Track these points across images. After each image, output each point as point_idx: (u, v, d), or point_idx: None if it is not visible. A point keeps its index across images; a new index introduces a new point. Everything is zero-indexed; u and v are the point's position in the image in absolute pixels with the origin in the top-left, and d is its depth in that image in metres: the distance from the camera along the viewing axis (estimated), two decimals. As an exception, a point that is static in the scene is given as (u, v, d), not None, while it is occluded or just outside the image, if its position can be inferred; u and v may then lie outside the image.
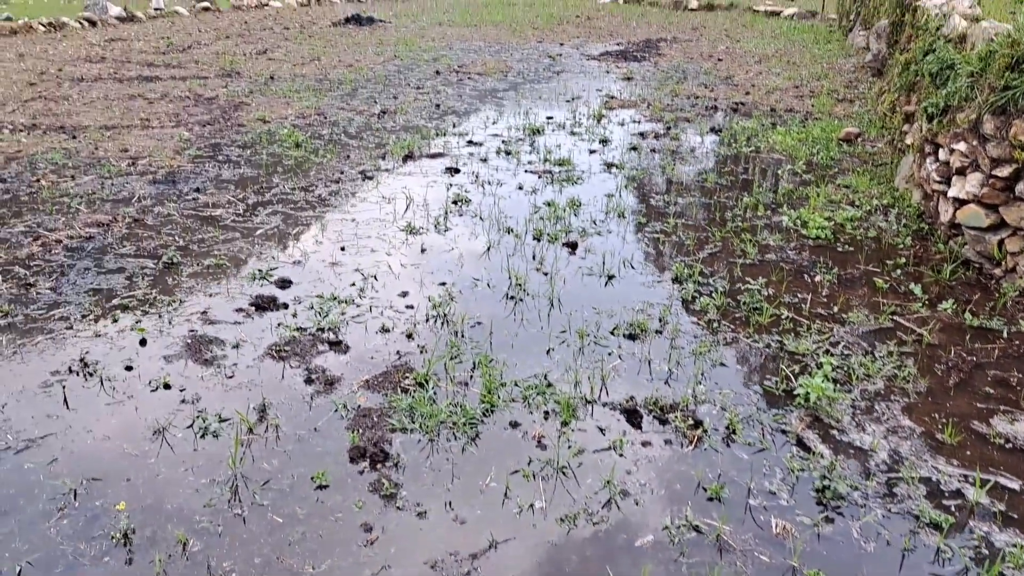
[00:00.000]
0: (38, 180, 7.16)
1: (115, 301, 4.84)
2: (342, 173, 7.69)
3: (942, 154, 5.79)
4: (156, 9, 22.97)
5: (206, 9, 23.69)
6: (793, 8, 22.09)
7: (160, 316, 4.66)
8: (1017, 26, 5.09)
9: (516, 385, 3.99)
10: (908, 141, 6.82)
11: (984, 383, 4.10)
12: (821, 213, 6.40)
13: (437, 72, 13.41)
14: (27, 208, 6.47)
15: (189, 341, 4.37)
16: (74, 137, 8.70)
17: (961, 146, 5.39)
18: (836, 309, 4.88)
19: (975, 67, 5.36)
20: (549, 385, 3.99)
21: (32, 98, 10.66)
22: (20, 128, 9.03)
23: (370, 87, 12.03)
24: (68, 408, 3.72)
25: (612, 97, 11.39)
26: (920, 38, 7.29)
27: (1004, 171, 4.98)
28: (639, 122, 9.92)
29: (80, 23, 19.17)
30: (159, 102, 10.64)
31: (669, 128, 9.55)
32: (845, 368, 4.20)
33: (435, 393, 3.92)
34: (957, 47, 6.11)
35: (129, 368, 4.07)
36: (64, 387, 3.87)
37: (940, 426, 3.71)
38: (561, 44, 17.12)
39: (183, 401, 3.80)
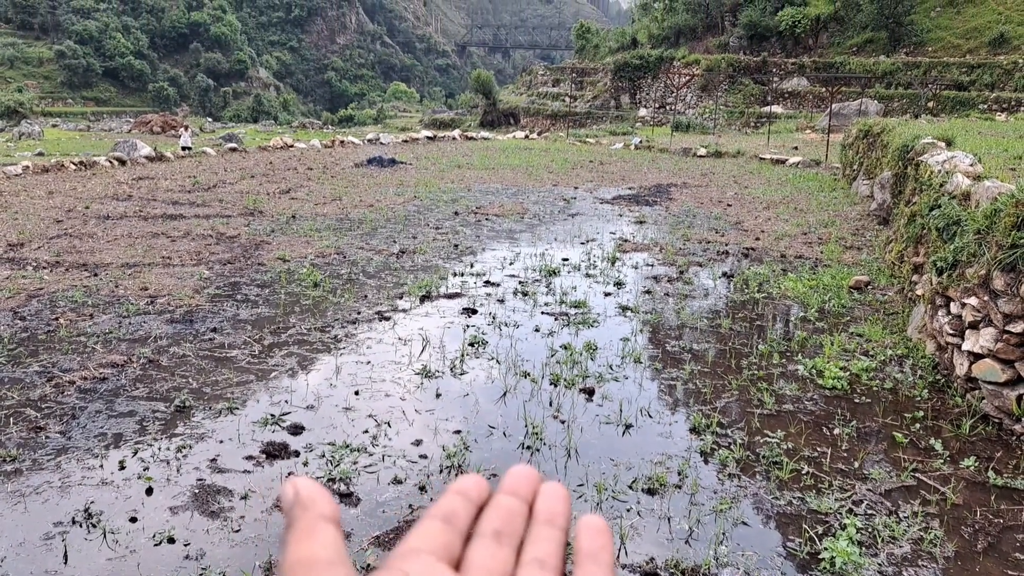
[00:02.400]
0: (57, 318, 7.27)
1: (124, 447, 4.80)
2: (359, 313, 7.78)
3: (954, 307, 5.81)
4: (185, 149, 24.03)
5: (233, 149, 24.74)
6: (798, 157, 22.88)
7: (168, 463, 4.60)
8: (1020, 187, 5.23)
9: (530, 544, 3.85)
10: (919, 292, 6.87)
11: (1014, 548, 3.94)
12: (836, 363, 6.37)
13: (456, 213, 13.80)
14: (43, 347, 6.54)
15: (197, 491, 4.29)
16: (95, 275, 8.90)
17: (972, 301, 5.43)
18: (857, 464, 4.77)
19: (981, 224, 5.47)
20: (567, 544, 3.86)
21: (57, 235, 10.99)
22: (44, 265, 9.27)
23: (390, 227, 12.36)
24: (67, 563, 3.61)
25: (625, 240, 11.64)
26: (925, 193, 7.48)
27: (1018, 327, 4.99)
28: (652, 265, 10.09)
29: (110, 162, 20.02)
30: (181, 240, 10.94)
31: (682, 272, 9.69)
32: (870, 529, 4.06)
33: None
34: (962, 204, 6.26)
35: (134, 520, 3.97)
36: (65, 540, 3.77)
37: (975, 598, 3.54)
38: (575, 188, 17.68)
39: (187, 557, 3.69)
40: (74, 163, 19.17)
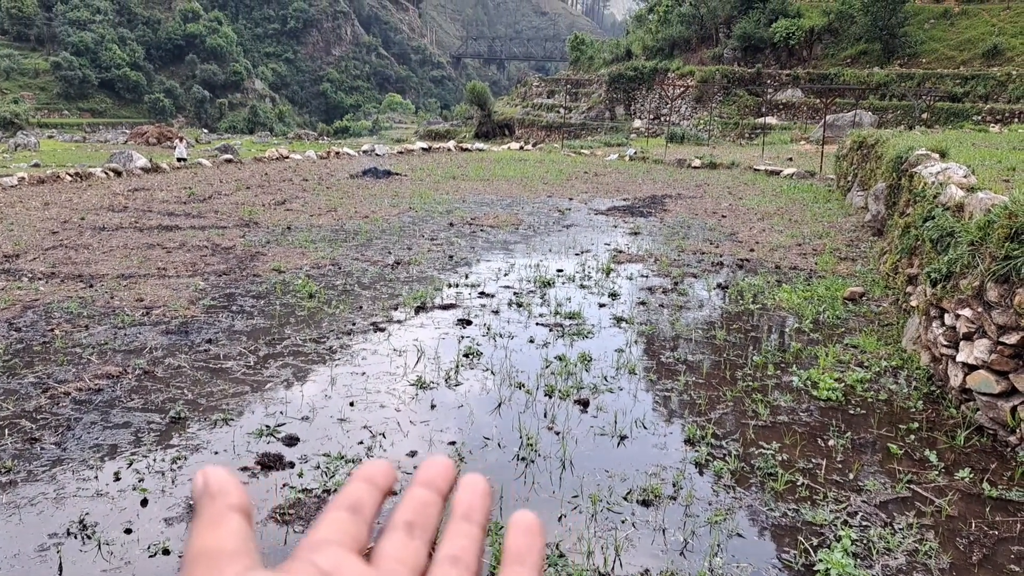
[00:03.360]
0: (52, 329, 7.26)
1: (119, 458, 4.79)
2: (354, 324, 7.78)
3: (948, 319, 5.84)
4: (180, 160, 24.04)
5: (229, 161, 24.76)
6: (792, 168, 22.98)
7: (163, 475, 4.59)
8: (1013, 198, 5.27)
9: (526, 556, 3.85)
10: (913, 303, 6.90)
11: (1008, 559, 3.95)
12: (831, 374, 6.39)
13: (451, 224, 13.82)
14: (39, 358, 6.53)
15: (192, 502, 4.27)
16: (91, 286, 8.89)
17: (967, 312, 5.45)
18: (852, 476, 4.78)
19: (975, 236, 5.51)
20: (561, 556, 3.86)
21: (53, 246, 10.98)
22: (39, 276, 9.26)
23: (385, 238, 12.38)
24: (61, 575, 3.59)
25: (620, 251, 11.67)
26: (919, 204, 7.52)
27: (1012, 338, 5.01)
28: (647, 276, 10.11)
29: (106, 173, 20.01)
30: (177, 251, 10.94)
31: (677, 283, 9.72)
32: (865, 541, 4.06)
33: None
34: (955, 215, 6.30)
35: (128, 531, 3.97)
36: (60, 552, 3.76)
37: (970, 609, 3.55)
38: (570, 199, 17.73)
39: (181, 569, 3.67)
40: (70, 174, 19.17)
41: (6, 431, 5.10)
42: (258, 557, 0.41)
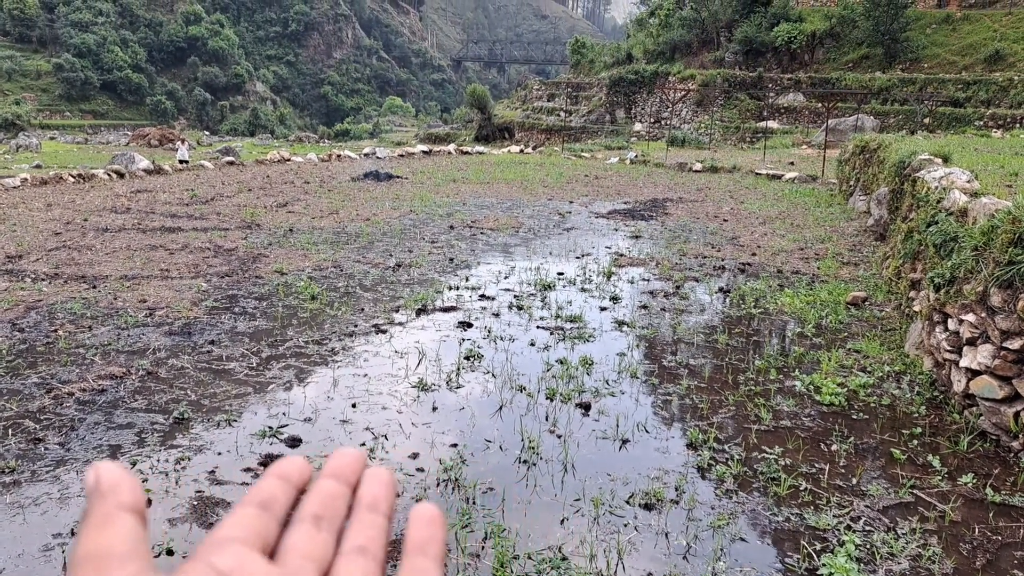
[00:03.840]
0: (55, 330, 7.26)
1: (123, 458, 4.79)
2: (356, 326, 7.78)
3: (951, 324, 5.85)
4: (182, 162, 24.06)
5: (230, 163, 24.78)
6: (794, 172, 23.00)
7: (167, 475, 4.60)
8: (1017, 203, 5.27)
9: (530, 558, 3.86)
10: (916, 308, 6.91)
11: (1012, 565, 3.95)
12: (834, 379, 6.39)
13: (451, 227, 13.83)
14: (42, 359, 6.53)
15: (195, 503, 4.29)
16: (94, 287, 8.90)
17: (970, 317, 5.46)
18: (855, 481, 4.78)
19: (978, 241, 5.51)
20: (564, 559, 3.86)
21: (56, 247, 10.99)
22: (42, 277, 9.26)
23: (386, 240, 12.39)
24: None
25: (621, 255, 11.67)
26: (922, 209, 7.53)
27: (1015, 343, 5.02)
28: (648, 280, 10.12)
29: (109, 175, 20.03)
30: (180, 253, 10.95)
31: (678, 287, 9.72)
32: (868, 546, 4.06)
33: (445, 565, 3.78)
34: (959, 220, 6.30)
35: (132, 532, 3.96)
36: (64, 552, 3.76)
37: (973, 614, 3.54)
38: (571, 202, 17.74)
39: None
40: (73, 176, 19.19)
41: (10, 431, 5.10)
42: (151, 560, 0.39)
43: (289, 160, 26.56)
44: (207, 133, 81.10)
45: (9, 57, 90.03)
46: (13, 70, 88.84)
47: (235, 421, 5.42)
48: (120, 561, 0.38)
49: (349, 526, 0.45)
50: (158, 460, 4.80)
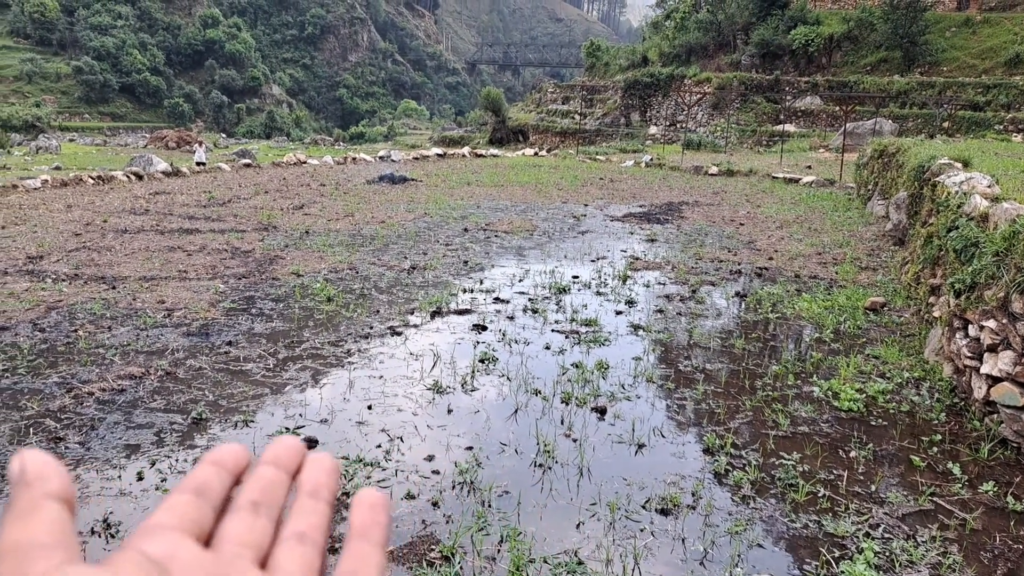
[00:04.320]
0: (76, 330, 7.33)
1: (142, 458, 4.82)
2: (371, 328, 7.80)
3: (972, 330, 5.79)
4: (199, 164, 24.22)
5: (247, 165, 24.93)
6: (811, 176, 22.86)
7: (186, 475, 4.61)
8: (1039, 209, 5.22)
9: (546, 562, 3.85)
10: (936, 314, 6.85)
11: (1036, 574, 3.90)
12: (852, 384, 6.35)
13: (465, 230, 13.84)
14: (63, 359, 6.59)
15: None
16: (114, 287, 8.97)
17: (991, 323, 5.40)
18: (873, 488, 4.75)
19: (1000, 246, 5.46)
20: (580, 563, 3.85)
21: (76, 248, 11.09)
22: (63, 277, 9.35)
23: (401, 243, 12.41)
24: None
25: (637, 258, 11.64)
26: (942, 214, 7.47)
27: (1037, 350, 4.96)
28: (664, 284, 10.08)
29: (127, 176, 20.20)
30: (197, 254, 11.02)
31: (694, 291, 9.68)
32: (887, 554, 4.03)
33: (461, 568, 3.79)
34: (979, 225, 6.25)
35: (151, 532, 3.99)
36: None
37: (995, 623, 3.51)
38: (585, 205, 17.72)
39: None
40: (92, 177, 19.36)
41: (31, 430, 5.15)
42: (77, 550, 0.37)
43: (305, 162, 26.68)
44: (223, 135, 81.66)
45: (30, 60, 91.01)
46: (33, 73, 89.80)
47: (252, 422, 5.45)
48: (45, 551, 0.36)
49: (289, 513, 0.44)
50: (176, 460, 4.82)
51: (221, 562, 0.40)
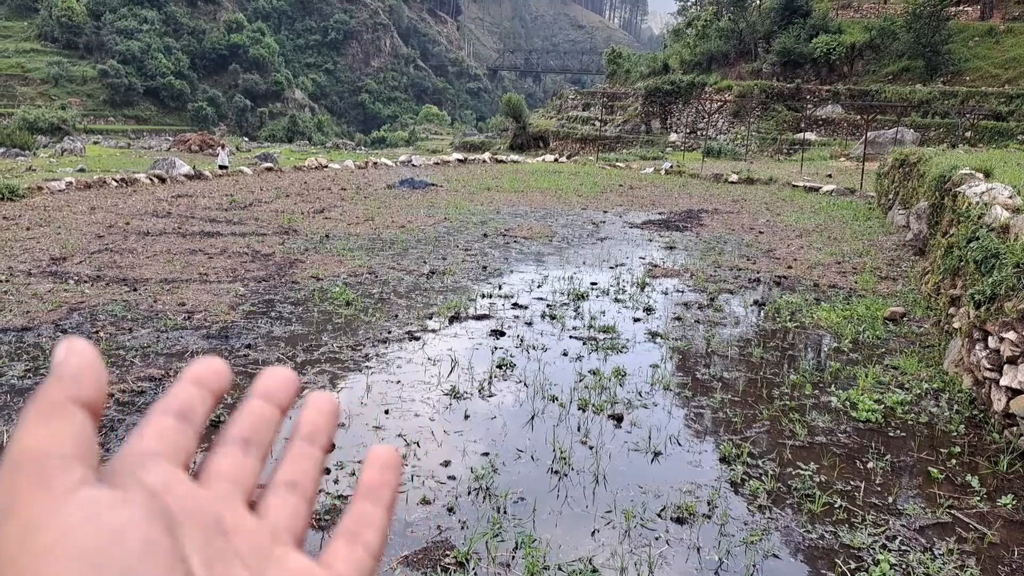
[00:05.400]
0: (97, 332, 7.43)
1: (161, 458, 4.88)
2: (390, 333, 7.84)
3: (992, 341, 5.74)
4: (222, 167, 24.46)
5: (268, 169, 25.15)
6: (832, 185, 22.73)
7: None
8: (1061, 221, 5.17)
9: (560, 569, 3.86)
10: (955, 325, 6.79)
11: (1056, 590, 3.86)
12: (870, 395, 6.30)
13: (485, 235, 13.88)
14: (85, 359, 6.67)
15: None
16: (135, 289, 9.08)
17: (1011, 335, 5.35)
18: (891, 499, 4.71)
19: (1021, 258, 5.41)
20: (595, 571, 3.86)
21: (99, 250, 11.24)
22: (85, 279, 9.48)
23: (420, 248, 12.47)
24: None
25: (655, 265, 11.63)
26: (963, 224, 7.41)
27: (1059, 363, 4.91)
28: (682, 292, 10.06)
29: (150, 179, 20.43)
30: (218, 257, 11.12)
31: (713, 299, 9.65)
32: (904, 566, 4.00)
33: (476, 574, 3.80)
34: (1000, 236, 6.19)
35: (169, 531, 4.03)
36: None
37: (1013, 639, 3.47)
38: (604, 212, 17.71)
39: None
40: (116, 180, 19.60)
41: (52, 430, 5.22)
42: (96, 467, 0.34)
43: (326, 167, 26.86)
44: (246, 139, 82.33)
45: (57, 63, 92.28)
46: (60, 76, 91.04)
47: (270, 425, 5.49)
48: (63, 463, 0.32)
49: (283, 456, 0.42)
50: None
51: (214, 499, 0.38)
